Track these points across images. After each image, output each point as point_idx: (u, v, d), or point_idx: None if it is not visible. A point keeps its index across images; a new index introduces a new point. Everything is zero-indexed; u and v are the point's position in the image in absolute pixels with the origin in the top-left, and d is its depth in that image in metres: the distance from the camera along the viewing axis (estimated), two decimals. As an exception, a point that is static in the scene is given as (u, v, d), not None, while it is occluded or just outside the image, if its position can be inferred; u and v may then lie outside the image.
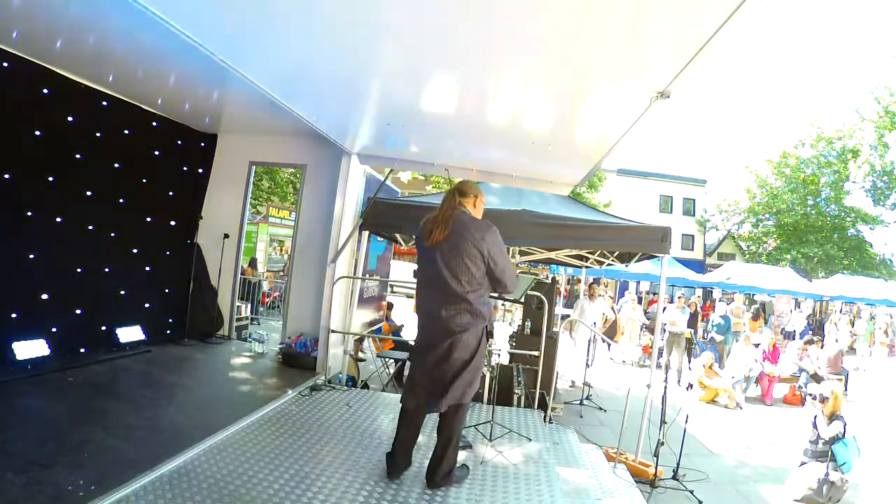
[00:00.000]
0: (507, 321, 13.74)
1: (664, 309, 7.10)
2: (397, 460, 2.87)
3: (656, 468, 4.10)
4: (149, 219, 5.44)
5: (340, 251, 5.10)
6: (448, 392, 2.65)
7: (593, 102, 2.96)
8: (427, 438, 3.42)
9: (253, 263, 12.04)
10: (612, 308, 11.33)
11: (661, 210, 30.25)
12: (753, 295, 17.79)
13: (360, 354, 6.88)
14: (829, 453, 4.24)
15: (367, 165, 5.53)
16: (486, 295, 2.72)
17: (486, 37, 2.34)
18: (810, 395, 4.55)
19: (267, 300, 11.11)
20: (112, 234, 4.99)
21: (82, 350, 4.65)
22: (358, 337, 5.73)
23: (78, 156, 4.56)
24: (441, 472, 2.76)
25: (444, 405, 2.67)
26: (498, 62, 2.63)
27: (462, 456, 3.29)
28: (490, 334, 2.86)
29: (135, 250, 5.29)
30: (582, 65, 2.49)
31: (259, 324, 8.85)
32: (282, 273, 12.83)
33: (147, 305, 5.45)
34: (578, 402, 6.37)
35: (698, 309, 13.05)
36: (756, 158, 26.54)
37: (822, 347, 9.03)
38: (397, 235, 6.45)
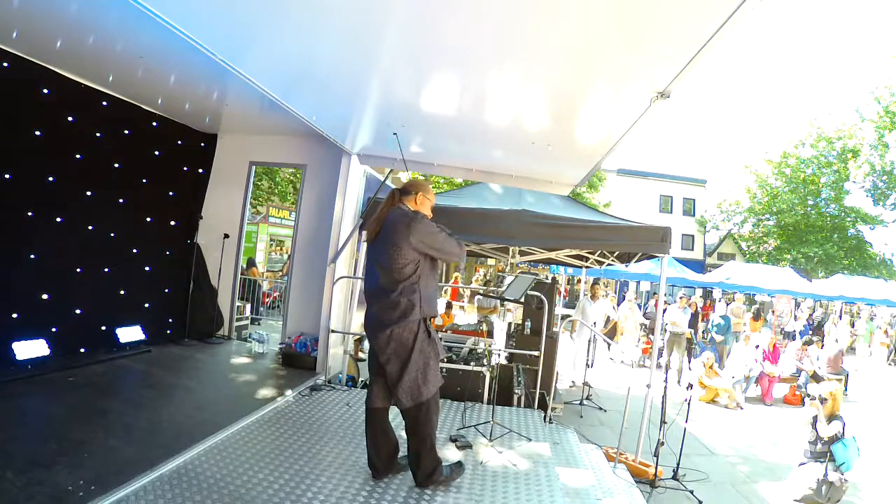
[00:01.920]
0: (504, 319, 13.73)
1: (664, 310, 7.10)
2: (372, 461, 2.86)
3: (656, 468, 4.10)
4: (149, 219, 5.44)
5: (340, 251, 5.11)
6: (398, 389, 2.64)
7: (593, 102, 2.96)
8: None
9: (251, 263, 12.04)
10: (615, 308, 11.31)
11: (661, 210, 30.24)
12: (754, 295, 17.80)
13: (361, 354, 6.87)
14: (829, 453, 4.24)
15: (367, 165, 5.53)
16: (416, 287, 2.66)
17: (487, 37, 2.34)
18: (808, 395, 4.54)
19: (267, 300, 11.10)
20: (112, 234, 5.00)
21: (82, 350, 4.65)
22: (358, 337, 5.74)
23: (78, 156, 4.56)
24: (423, 473, 2.75)
25: (400, 403, 2.66)
26: (498, 62, 2.63)
27: (462, 456, 3.29)
28: (489, 333, 2.86)
29: (135, 250, 5.29)
30: (582, 65, 2.49)
31: (260, 324, 8.85)
32: (281, 273, 12.81)
33: (147, 305, 5.45)
34: (578, 402, 6.37)
35: (699, 309, 13.03)
36: (756, 158, 26.58)
37: (821, 348, 9.03)
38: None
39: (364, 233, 5.50)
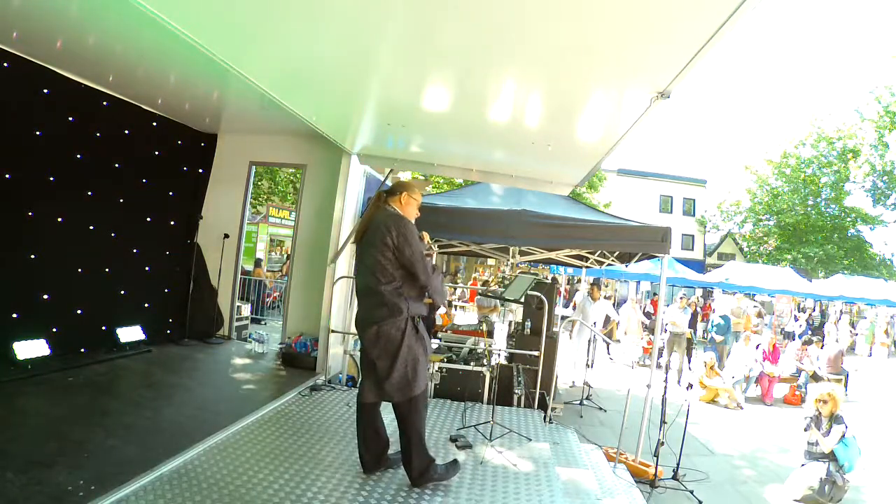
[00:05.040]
0: (504, 319, 13.75)
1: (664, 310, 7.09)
2: (362, 455, 2.91)
3: (656, 468, 4.10)
4: (149, 219, 5.44)
5: (340, 251, 5.10)
6: (385, 385, 2.69)
7: (593, 102, 2.96)
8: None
9: (257, 264, 12.10)
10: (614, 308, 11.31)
11: (661, 210, 30.22)
12: (754, 295, 17.80)
13: None
14: (830, 453, 4.23)
15: (367, 165, 5.53)
16: (403, 288, 2.72)
17: (487, 37, 2.34)
18: (815, 399, 4.49)
19: (267, 300, 11.10)
20: (112, 234, 4.99)
21: (82, 350, 4.65)
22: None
23: (78, 156, 4.56)
24: (416, 470, 2.77)
25: (387, 397, 2.73)
26: (498, 62, 2.62)
27: (462, 456, 3.30)
28: (490, 333, 2.87)
29: (135, 250, 5.29)
30: (582, 65, 2.49)
31: (265, 324, 8.83)
32: (280, 273, 12.83)
33: (147, 305, 5.45)
34: (578, 402, 6.37)
35: (698, 309, 13.02)
36: (756, 158, 26.58)
37: (821, 348, 9.03)
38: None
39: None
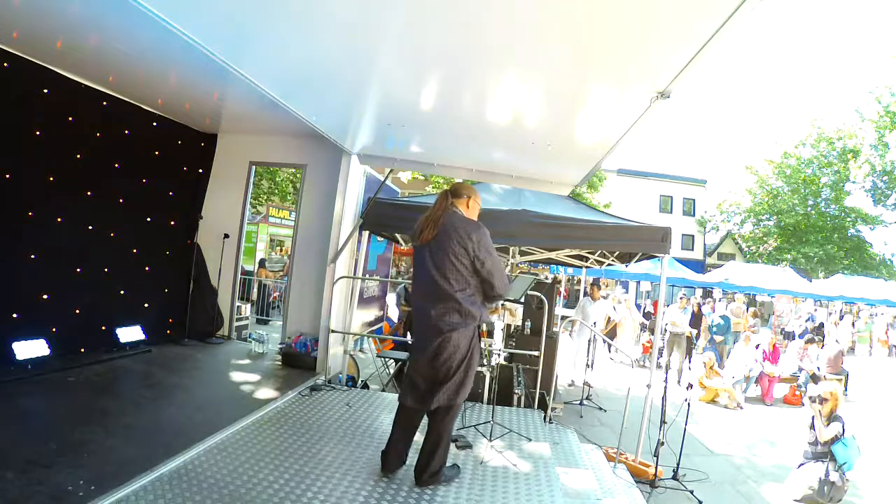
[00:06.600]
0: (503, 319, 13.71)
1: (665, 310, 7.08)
2: (390, 458, 2.88)
3: (656, 468, 4.10)
4: (149, 219, 5.44)
5: (340, 251, 5.10)
6: (438, 391, 2.67)
7: (593, 102, 2.96)
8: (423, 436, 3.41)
9: (262, 264, 12.13)
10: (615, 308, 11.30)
11: (661, 210, 30.23)
12: (754, 295, 17.77)
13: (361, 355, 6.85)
14: (829, 453, 4.23)
15: (367, 165, 5.53)
16: (476, 294, 2.70)
17: (487, 37, 2.34)
18: (809, 397, 4.52)
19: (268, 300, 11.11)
20: (112, 234, 4.99)
21: (82, 350, 4.65)
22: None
23: (78, 156, 4.56)
24: (430, 471, 2.77)
25: (433, 403, 2.70)
26: (498, 62, 2.62)
27: (462, 456, 3.30)
28: (490, 333, 2.86)
29: (135, 250, 5.29)
30: (582, 65, 2.49)
31: (269, 324, 8.83)
32: (281, 273, 12.85)
33: (147, 305, 5.45)
34: (578, 402, 6.37)
35: (701, 310, 12.99)
36: (757, 159, 26.60)
37: (822, 347, 9.03)
38: (397, 235, 6.46)
39: (367, 232, 5.55)
